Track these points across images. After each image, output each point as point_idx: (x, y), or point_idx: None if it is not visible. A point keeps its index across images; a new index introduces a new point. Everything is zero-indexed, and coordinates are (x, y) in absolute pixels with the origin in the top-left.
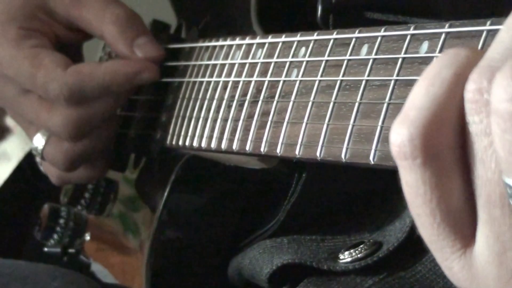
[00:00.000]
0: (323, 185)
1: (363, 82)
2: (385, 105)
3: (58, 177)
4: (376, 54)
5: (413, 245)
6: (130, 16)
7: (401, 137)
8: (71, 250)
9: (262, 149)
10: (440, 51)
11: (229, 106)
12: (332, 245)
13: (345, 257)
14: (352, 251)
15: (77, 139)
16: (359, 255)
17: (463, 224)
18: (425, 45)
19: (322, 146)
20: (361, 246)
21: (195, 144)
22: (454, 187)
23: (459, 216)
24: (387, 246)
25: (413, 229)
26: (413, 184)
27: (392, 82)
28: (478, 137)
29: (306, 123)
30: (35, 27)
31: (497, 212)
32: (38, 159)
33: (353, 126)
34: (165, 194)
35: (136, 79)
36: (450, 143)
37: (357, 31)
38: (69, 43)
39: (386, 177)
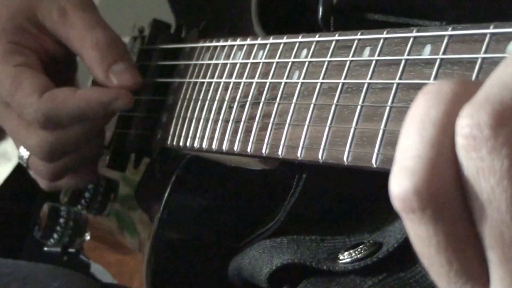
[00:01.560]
0: (323, 185)
1: (365, 85)
2: (388, 108)
3: (46, 184)
4: (378, 57)
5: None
6: (110, 42)
7: (404, 189)
8: (71, 250)
9: (263, 151)
10: (443, 54)
11: (230, 107)
12: (331, 245)
13: (345, 257)
14: (351, 251)
15: (53, 161)
16: (358, 256)
17: (478, 267)
18: (427, 49)
19: (324, 149)
20: (360, 246)
21: (196, 145)
22: (466, 232)
23: (474, 259)
24: (387, 247)
25: None
26: (424, 236)
27: (395, 85)
28: (481, 176)
29: (308, 126)
30: (24, 42)
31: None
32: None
33: (355, 129)
34: (166, 194)
35: (110, 107)
36: (454, 188)
37: (359, 33)
38: (59, 56)
39: (386, 178)
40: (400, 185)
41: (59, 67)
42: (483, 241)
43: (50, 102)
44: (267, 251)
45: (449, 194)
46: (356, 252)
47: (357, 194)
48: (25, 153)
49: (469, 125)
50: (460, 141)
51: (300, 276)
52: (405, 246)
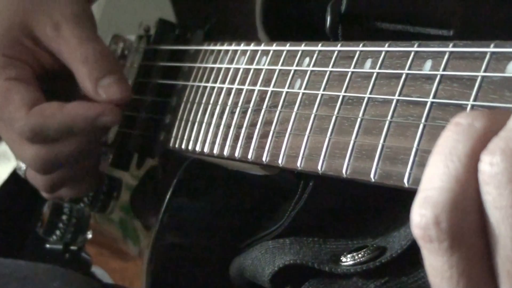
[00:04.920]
0: (329, 192)
1: (366, 98)
2: (387, 122)
3: (45, 194)
4: (379, 69)
5: (417, 251)
6: (99, 56)
7: (425, 219)
8: (73, 247)
9: (264, 159)
10: (444, 70)
11: (232, 112)
12: (334, 247)
13: (347, 260)
14: (354, 254)
15: (48, 173)
16: (361, 259)
17: None
18: (428, 64)
19: (323, 160)
20: (364, 250)
21: (197, 148)
22: (480, 270)
23: None
24: (391, 252)
25: None
26: (438, 267)
27: (395, 100)
28: (489, 211)
29: (309, 136)
30: (18, 55)
31: None
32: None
33: (354, 142)
34: (167, 197)
35: (96, 122)
36: (474, 222)
37: (361, 45)
38: (56, 69)
39: None
40: (422, 215)
41: (56, 79)
42: (496, 278)
43: (37, 117)
44: (270, 251)
45: (468, 229)
46: (359, 255)
47: (362, 199)
48: (23, 164)
49: (485, 161)
50: (479, 175)
51: (302, 277)
52: (409, 252)
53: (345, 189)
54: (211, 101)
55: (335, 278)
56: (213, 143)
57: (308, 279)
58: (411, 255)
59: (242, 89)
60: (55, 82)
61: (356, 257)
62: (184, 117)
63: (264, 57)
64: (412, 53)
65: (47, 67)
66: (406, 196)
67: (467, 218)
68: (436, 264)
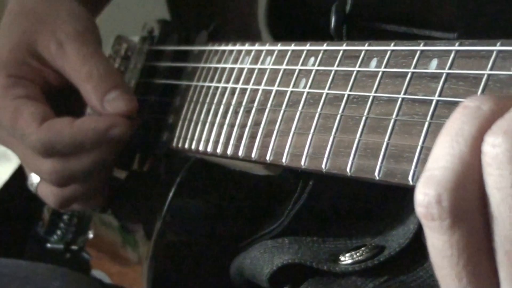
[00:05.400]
0: (328, 192)
1: (371, 96)
2: (392, 121)
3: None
4: (385, 68)
5: (415, 251)
6: (103, 73)
7: (428, 198)
8: (73, 247)
9: (268, 158)
10: (449, 69)
11: (236, 112)
12: (333, 246)
13: (346, 259)
14: (353, 253)
15: (63, 186)
16: (360, 258)
17: (488, 284)
18: (434, 63)
19: (327, 158)
20: (362, 249)
21: (201, 148)
22: (481, 248)
23: (485, 276)
24: (389, 250)
25: (417, 236)
26: (439, 246)
27: (400, 98)
28: (490, 191)
29: (313, 134)
30: (24, 74)
31: None
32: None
33: (359, 140)
34: (170, 196)
35: (107, 135)
36: (476, 202)
37: (366, 44)
38: (62, 86)
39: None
40: (425, 193)
41: (63, 95)
42: (495, 257)
43: (48, 131)
44: (268, 251)
45: (469, 209)
46: (358, 254)
47: (361, 199)
48: (35, 180)
49: (487, 142)
50: (482, 157)
51: (301, 277)
52: (408, 251)
53: (344, 189)
54: (215, 101)
55: (334, 277)
56: (216, 142)
57: (307, 278)
58: (410, 254)
59: (246, 89)
60: (62, 99)
61: (355, 256)
62: (188, 116)
63: (269, 57)
64: (418, 52)
65: (54, 84)
66: (404, 196)
67: (469, 198)
68: (438, 243)
